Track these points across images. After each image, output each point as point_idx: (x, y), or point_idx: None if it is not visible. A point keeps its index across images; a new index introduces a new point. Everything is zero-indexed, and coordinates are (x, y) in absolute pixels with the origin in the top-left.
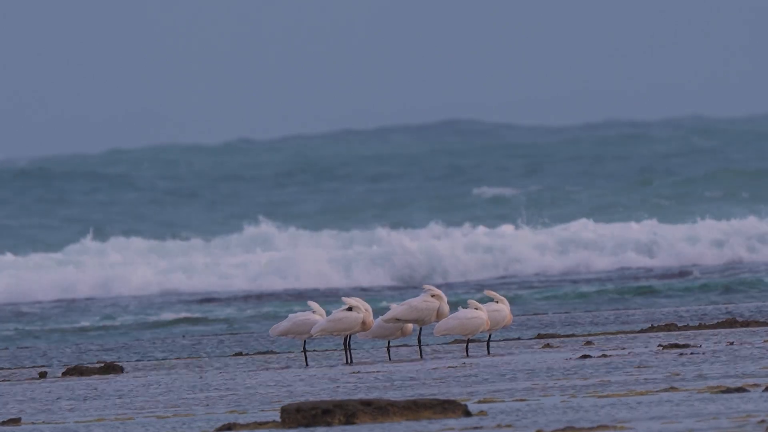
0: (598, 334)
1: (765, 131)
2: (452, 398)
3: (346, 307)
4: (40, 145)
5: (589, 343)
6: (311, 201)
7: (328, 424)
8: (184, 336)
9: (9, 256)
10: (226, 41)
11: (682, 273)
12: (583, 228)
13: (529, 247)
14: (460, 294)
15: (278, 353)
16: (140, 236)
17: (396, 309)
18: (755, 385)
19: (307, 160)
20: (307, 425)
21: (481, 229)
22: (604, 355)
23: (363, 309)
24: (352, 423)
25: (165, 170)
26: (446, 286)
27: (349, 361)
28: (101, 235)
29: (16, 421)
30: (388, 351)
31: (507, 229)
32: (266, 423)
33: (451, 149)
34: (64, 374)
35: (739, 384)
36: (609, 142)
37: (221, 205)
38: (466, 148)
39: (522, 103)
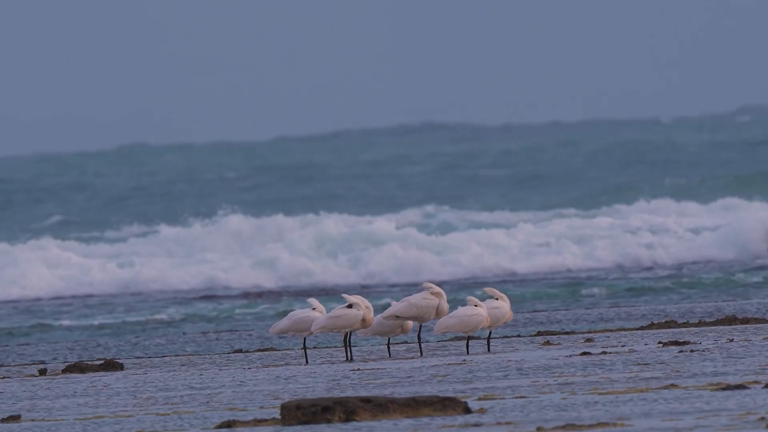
0: (598, 332)
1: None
2: (452, 395)
3: (347, 304)
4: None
5: (589, 340)
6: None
7: (328, 421)
8: (184, 333)
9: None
10: (212, 44)
11: None
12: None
13: None
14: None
15: (278, 350)
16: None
17: (395, 306)
18: (755, 382)
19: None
20: (307, 422)
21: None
22: (605, 352)
23: (363, 306)
24: (352, 420)
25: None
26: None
27: (349, 358)
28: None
29: (16, 418)
30: (388, 348)
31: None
32: (266, 420)
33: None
34: (64, 371)
35: (739, 381)
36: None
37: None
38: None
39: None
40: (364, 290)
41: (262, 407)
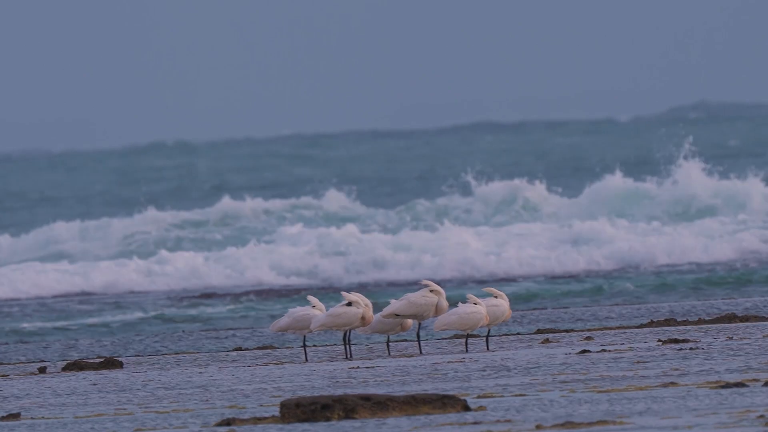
0: (598, 329)
1: None
2: (451, 393)
3: (346, 302)
4: None
5: (588, 338)
6: None
7: (328, 419)
8: (183, 331)
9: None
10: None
11: None
12: None
13: None
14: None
15: (278, 348)
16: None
17: (395, 304)
18: (755, 380)
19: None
20: (306, 420)
21: None
22: (604, 350)
23: (363, 304)
24: (352, 418)
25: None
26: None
27: (348, 356)
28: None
29: (15, 416)
30: (388, 346)
31: None
32: (266, 418)
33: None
34: (63, 369)
35: (738, 379)
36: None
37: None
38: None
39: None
40: (362, 288)
41: (261, 405)
